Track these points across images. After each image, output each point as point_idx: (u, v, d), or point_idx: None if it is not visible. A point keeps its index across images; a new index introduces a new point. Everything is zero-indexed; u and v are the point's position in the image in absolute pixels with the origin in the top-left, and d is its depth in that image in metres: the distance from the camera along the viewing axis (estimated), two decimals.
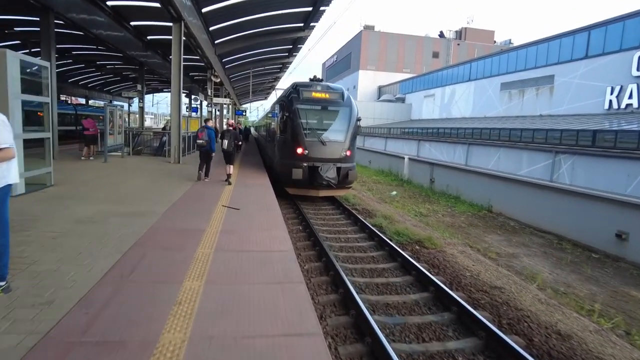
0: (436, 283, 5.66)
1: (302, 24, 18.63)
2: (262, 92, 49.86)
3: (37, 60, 7.65)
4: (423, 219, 13.03)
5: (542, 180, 16.44)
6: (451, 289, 5.75)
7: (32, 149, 7.71)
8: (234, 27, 16.96)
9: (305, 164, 10.30)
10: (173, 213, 6.46)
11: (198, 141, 9.82)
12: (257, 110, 73.05)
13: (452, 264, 7.05)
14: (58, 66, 29.82)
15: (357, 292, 5.15)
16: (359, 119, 10.89)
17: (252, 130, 43.24)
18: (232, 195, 8.34)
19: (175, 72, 13.05)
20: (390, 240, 8.03)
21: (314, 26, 19.11)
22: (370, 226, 8.90)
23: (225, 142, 9.86)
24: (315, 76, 11.39)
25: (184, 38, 12.76)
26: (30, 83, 7.30)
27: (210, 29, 16.03)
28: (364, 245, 7.92)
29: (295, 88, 11.10)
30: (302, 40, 21.86)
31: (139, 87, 20.54)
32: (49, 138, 7.93)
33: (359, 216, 9.94)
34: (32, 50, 19.23)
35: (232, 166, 10.04)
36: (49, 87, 7.90)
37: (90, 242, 4.75)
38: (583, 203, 13.15)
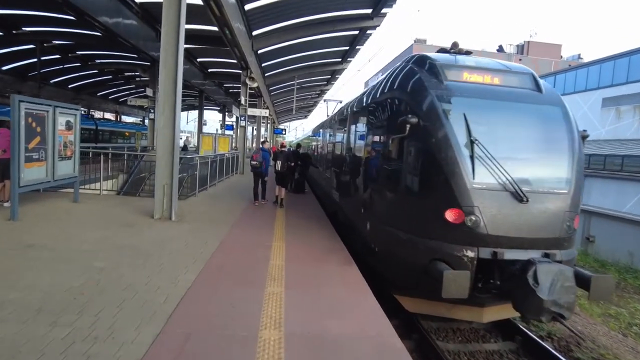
0: None
1: (370, 10, 13.66)
2: (303, 109, 45.61)
3: None
4: None
5: None
6: None
7: None
8: (277, 8, 12.17)
9: (472, 254, 4.04)
10: None
11: (252, 162, 9.63)
12: (295, 131, 68.82)
13: None
14: (83, 77, 26.93)
15: None
16: (584, 135, 4.65)
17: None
18: None
19: (169, 42, 7.06)
20: None
21: (385, 14, 14.10)
22: None
23: (279, 163, 9.52)
24: (455, 43, 5.26)
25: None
26: None
27: (246, 7, 11.30)
28: None
29: (426, 63, 5.08)
30: (362, 39, 16.89)
31: (149, 91, 15.70)
32: None
33: None
34: None
35: (284, 189, 9.75)
36: None
37: None
38: None
